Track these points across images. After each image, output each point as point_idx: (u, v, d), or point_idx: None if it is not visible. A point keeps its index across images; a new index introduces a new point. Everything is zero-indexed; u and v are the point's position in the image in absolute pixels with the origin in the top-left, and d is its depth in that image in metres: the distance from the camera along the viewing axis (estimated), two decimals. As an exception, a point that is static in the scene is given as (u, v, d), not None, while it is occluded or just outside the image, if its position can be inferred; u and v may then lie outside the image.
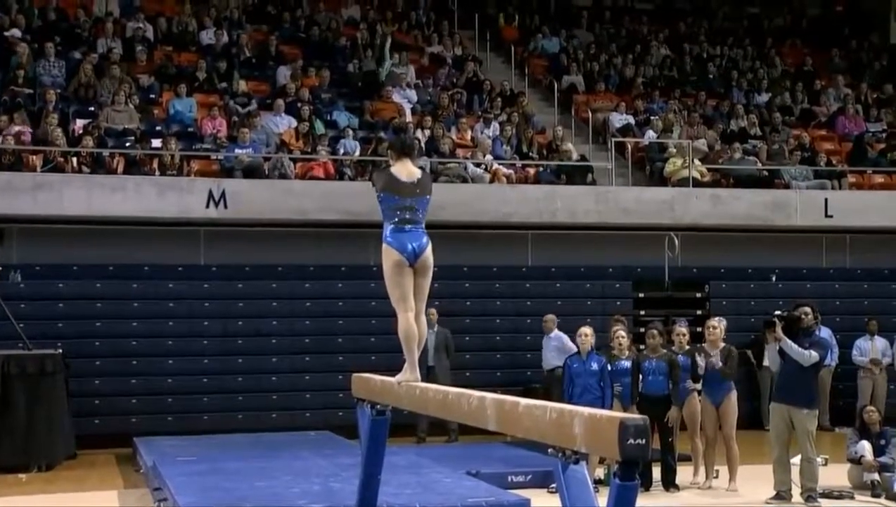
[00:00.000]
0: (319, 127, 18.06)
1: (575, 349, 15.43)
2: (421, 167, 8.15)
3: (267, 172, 16.71)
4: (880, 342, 17.19)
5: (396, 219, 7.61)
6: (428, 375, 14.65)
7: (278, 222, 16.47)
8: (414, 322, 7.59)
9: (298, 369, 16.42)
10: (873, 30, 26.43)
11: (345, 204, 16.41)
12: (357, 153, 17.54)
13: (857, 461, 12.00)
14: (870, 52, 25.37)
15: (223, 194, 15.93)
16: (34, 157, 15.92)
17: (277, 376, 16.38)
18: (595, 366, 11.93)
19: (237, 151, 16.81)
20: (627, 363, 12.08)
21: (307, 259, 16.89)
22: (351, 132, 17.91)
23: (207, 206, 15.89)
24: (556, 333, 15.60)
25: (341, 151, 17.54)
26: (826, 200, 18.42)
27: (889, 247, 18.97)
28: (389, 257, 7.62)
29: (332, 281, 16.91)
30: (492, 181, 17.54)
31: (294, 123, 17.97)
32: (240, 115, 17.87)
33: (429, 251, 7.60)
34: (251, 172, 16.60)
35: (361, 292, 16.84)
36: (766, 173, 18.99)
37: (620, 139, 19.16)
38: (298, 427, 15.49)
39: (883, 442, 12.07)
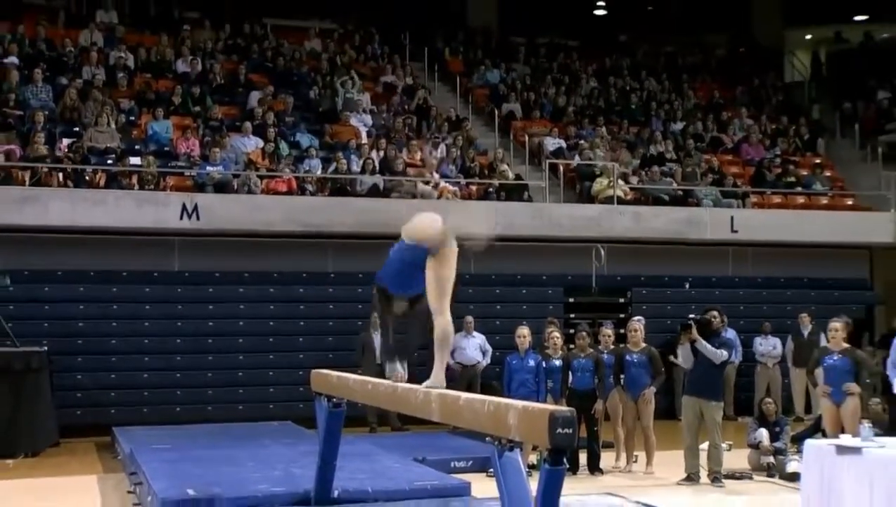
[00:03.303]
0: (284, 147, 17.97)
1: (490, 349, 15.76)
2: None
3: (236, 187, 16.59)
4: (773, 341, 17.55)
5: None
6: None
7: (245, 233, 16.36)
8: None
9: (263, 365, 16.35)
10: (771, 69, 26.74)
11: (306, 217, 16.37)
12: (318, 171, 17.47)
13: (756, 446, 12.19)
14: (768, 88, 25.66)
15: (195, 207, 15.81)
16: (23, 172, 15.72)
17: (244, 372, 16.31)
18: (532, 363, 11.95)
19: (209, 168, 16.69)
20: (559, 362, 12.12)
21: (271, 266, 16.80)
22: (313, 152, 17.85)
23: (181, 218, 15.76)
24: (476, 333, 15.93)
25: (303, 169, 17.47)
26: (732, 217, 18.61)
27: (785, 259, 19.16)
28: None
29: (294, 286, 16.84)
30: (439, 198, 17.52)
31: (261, 143, 17.87)
32: (211, 135, 17.75)
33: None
34: (221, 187, 16.49)
35: (320, 296, 16.85)
36: (680, 193, 19.13)
37: (554, 161, 19.22)
38: (263, 418, 15.42)
39: (778, 429, 12.29)
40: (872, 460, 7.63)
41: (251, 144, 17.81)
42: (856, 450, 7.83)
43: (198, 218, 15.81)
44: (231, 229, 16.19)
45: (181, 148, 17.32)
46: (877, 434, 8.42)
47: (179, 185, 16.58)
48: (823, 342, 12.57)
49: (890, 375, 10.71)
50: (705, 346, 11.09)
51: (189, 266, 16.59)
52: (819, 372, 11.39)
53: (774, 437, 12.18)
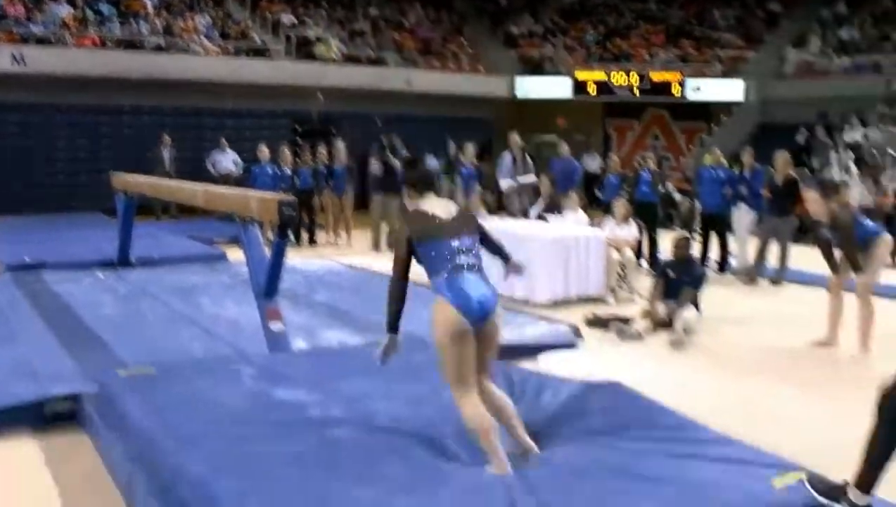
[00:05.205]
0: (90, 14, 16.45)
1: (241, 162, 15.06)
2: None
3: (53, 42, 15.13)
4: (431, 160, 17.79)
5: (450, 265, 3.52)
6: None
7: (60, 76, 15.02)
8: (482, 407, 3.53)
9: (78, 172, 15.33)
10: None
11: (107, 66, 15.22)
12: (117, 32, 16.16)
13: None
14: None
15: (23, 56, 14.37)
16: None
17: (64, 176, 15.28)
18: (270, 171, 11.88)
19: (32, 27, 15.08)
20: (289, 170, 12.11)
21: (81, 101, 15.58)
22: (113, 17, 16.47)
23: (11, 64, 14.31)
24: (229, 150, 15.34)
25: (104, 30, 16.10)
26: (410, 78, 18.70)
27: (439, 103, 19.42)
28: (445, 319, 3.47)
29: (101, 115, 15.73)
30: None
31: (72, 10, 16.26)
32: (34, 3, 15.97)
33: (498, 311, 3.58)
34: (43, 42, 14.99)
35: (118, 123, 15.82)
36: (374, 57, 19.00)
37: (288, 32, 18.56)
38: (78, 210, 14.56)
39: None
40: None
41: (64, 11, 16.16)
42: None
43: (25, 65, 14.38)
44: (50, 74, 14.81)
45: (10, 12, 15.49)
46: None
47: (10, 39, 14.92)
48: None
49: (499, 178, 11.52)
50: (390, 157, 11.46)
51: (20, 101, 15.11)
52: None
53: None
